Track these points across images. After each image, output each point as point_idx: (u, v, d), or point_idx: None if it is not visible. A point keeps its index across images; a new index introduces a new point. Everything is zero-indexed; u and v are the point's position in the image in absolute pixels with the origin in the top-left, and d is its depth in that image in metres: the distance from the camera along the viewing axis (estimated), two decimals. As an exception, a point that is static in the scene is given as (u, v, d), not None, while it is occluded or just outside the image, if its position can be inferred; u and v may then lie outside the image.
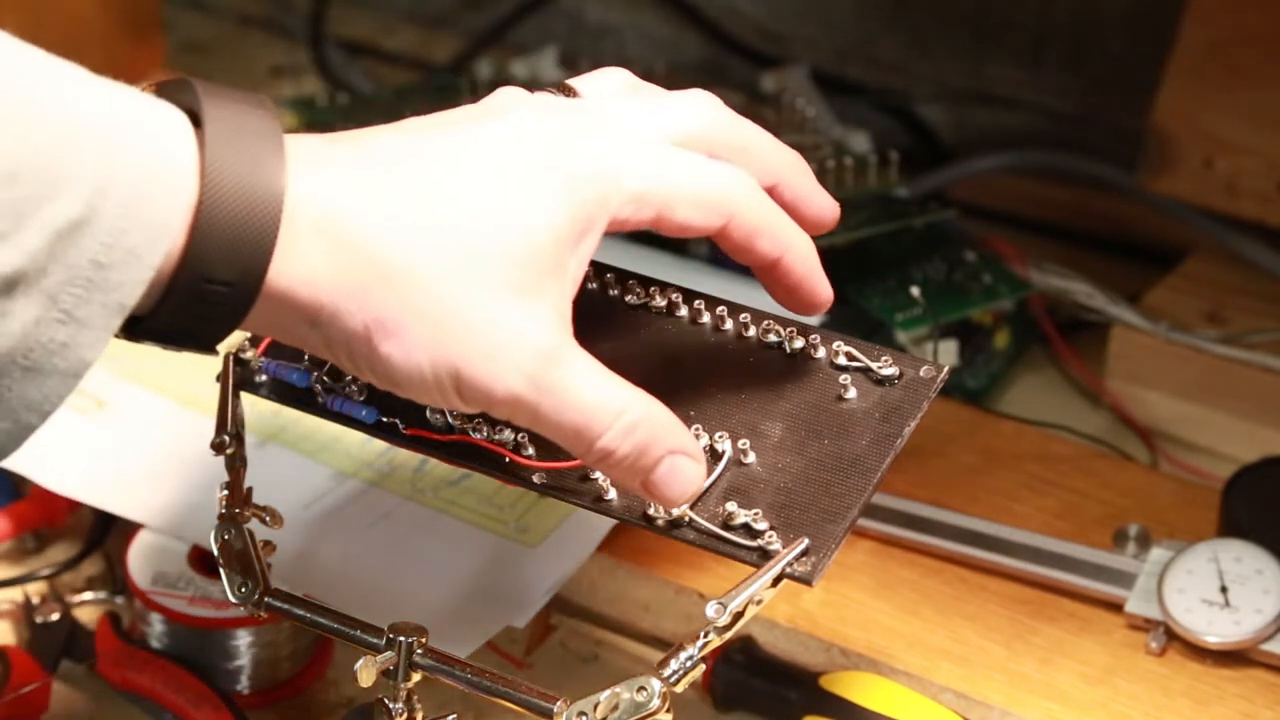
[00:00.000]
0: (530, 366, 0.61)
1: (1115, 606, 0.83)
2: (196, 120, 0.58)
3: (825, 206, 0.70)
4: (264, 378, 0.73)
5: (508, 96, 0.66)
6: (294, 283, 0.59)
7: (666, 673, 0.64)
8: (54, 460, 0.88)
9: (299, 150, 0.60)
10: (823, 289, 0.69)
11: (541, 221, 0.62)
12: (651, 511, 0.67)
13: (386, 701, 0.69)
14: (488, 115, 0.64)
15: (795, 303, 0.69)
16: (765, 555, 0.65)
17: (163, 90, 0.60)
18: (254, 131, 0.59)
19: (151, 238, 0.56)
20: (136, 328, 0.59)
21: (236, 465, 0.72)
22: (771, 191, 0.68)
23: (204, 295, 0.58)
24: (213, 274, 0.58)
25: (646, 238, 1.00)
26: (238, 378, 0.73)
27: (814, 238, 0.99)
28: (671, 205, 0.64)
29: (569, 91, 0.68)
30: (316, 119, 1.11)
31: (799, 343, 0.70)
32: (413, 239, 0.60)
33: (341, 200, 0.60)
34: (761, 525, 0.66)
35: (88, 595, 0.86)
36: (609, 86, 0.69)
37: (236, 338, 0.72)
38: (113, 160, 0.56)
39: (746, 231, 0.66)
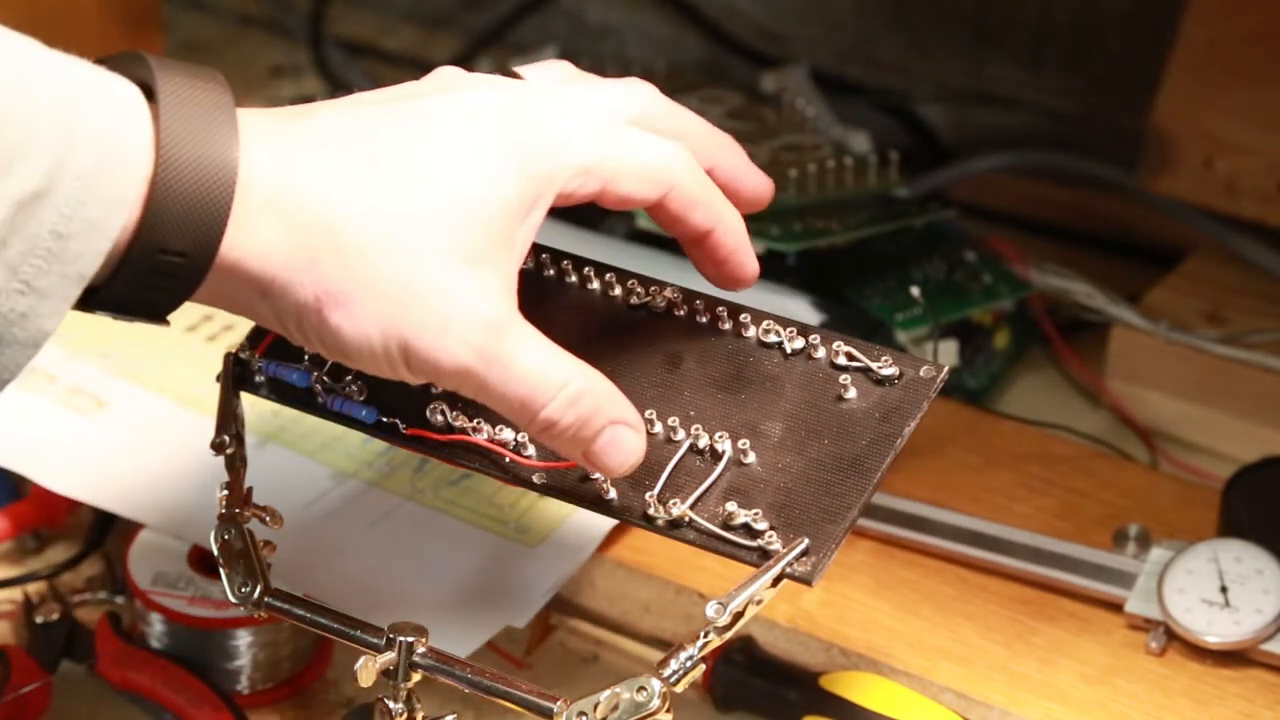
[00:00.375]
0: (477, 338, 0.62)
1: (1115, 606, 0.83)
2: (150, 93, 0.59)
3: (760, 184, 0.72)
4: (264, 378, 0.73)
5: (451, 75, 0.67)
6: (246, 254, 0.60)
7: (666, 673, 0.64)
8: (54, 460, 0.88)
9: (252, 124, 0.61)
10: (750, 263, 0.70)
11: (490, 195, 0.63)
12: (651, 512, 0.67)
13: (386, 701, 0.69)
14: (436, 91, 0.65)
15: (723, 277, 0.70)
16: (765, 555, 0.65)
17: (116, 63, 0.60)
18: (207, 105, 0.60)
19: (109, 210, 0.57)
20: (91, 299, 0.59)
21: (236, 465, 0.72)
22: (709, 174, 0.69)
23: (158, 266, 0.59)
24: (167, 245, 0.59)
25: (647, 237, 1.00)
26: (238, 378, 0.73)
27: (812, 237, 1.00)
28: (616, 178, 0.66)
29: (512, 77, 0.69)
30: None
31: (799, 343, 0.70)
32: (363, 212, 0.61)
33: (294, 173, 0.61)
34: (761, 525, 0.66)
35: (88, 595, 0.86)
36: (551, 76, 0.70)
37: (236, 337, 0.72)
38: (70, 133, 0.56)
39: (683, 203, 0.68)
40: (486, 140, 0.64)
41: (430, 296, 0.62)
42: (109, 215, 0.57)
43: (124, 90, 0.59)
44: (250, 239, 0.60)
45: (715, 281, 0.70)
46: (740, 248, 0.69)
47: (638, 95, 0.69)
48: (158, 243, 0.59)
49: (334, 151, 0.62)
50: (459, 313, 0.62)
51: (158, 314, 0.62)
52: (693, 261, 0.70)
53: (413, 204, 0.62)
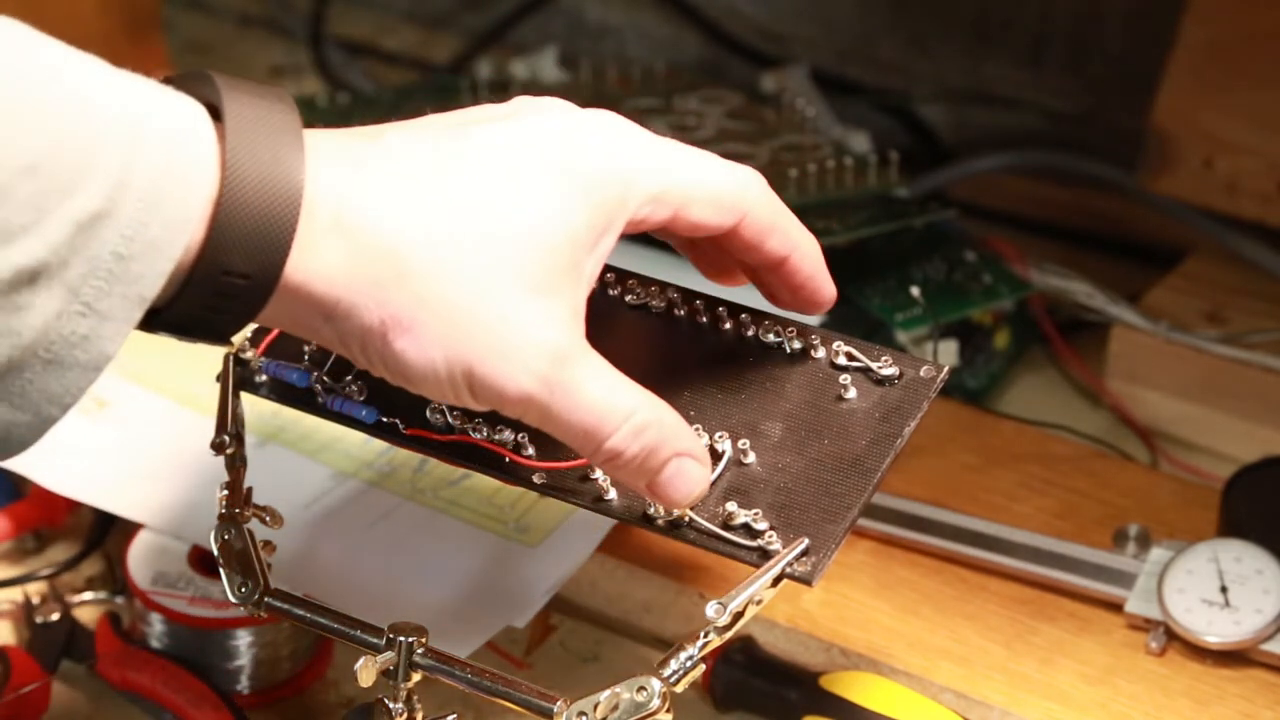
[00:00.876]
0: (543, 366, 0.61)
1: (1115, 606, 0.83)
2: (215, 113, 0.59)
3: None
4: (264, 378, 0.73)
5: (523, 100, 0.66)
6: (310, 277, 0.60)
7: (666, 673, 0.64)
8: (54, 460, 0.88)
9: (318, 145, 0.60)
10: (827, 288, 0.69)
11: (559, 222, 0.62)
12: (651, 511, 0.67)
13: (386, 701, 0.69)
14: (506, 116, 0.64)
15: (799, 302, 0.69)
16: (765, 555, 0.65)
17: (182, 82, 0.60)
18: (274, 126, 0.59)
19: (172, 230, 0.57)
20: (153, 320, 0.59)
21: (236, 465, 0.72)
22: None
23: (222, 288, 0.59)
24: (231, 266, 0.58)
25: (647, 238, 1.00)
26: (238, 378, 0.73)
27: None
28: (688, 205, 0.65)
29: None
30: (316, 119, 1.11)
31: (799, 343, 0.70)
32: (430, 237, 0.61)
33: (360, 197, 0.60)
34: (761, 525, 0.66)
35: (88, 595, 0.86)
36: None
37: (237, 337, 0.72)
38: (133, 153, 0.56)
39: (758, 230, 0.67)
40: (556, 167, 0.63)
41: (496, 323, 0.61)
42: (172, 236, 0.57)
43: (189, 110, 0.58)
44: (315, 261, 0.60)
45: (790, 307, 0.69)
46: (816, 272, 0.68)
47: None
48: (221, 264, 0.58)
49: (401, 175, 0.61)
50: (524, 340, 0.61)
51: (221, 335, 0.61)
52: (763, 288, 0.69)
53: (479, 230, 0.61)
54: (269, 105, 0.60)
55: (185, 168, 0.57)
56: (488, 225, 0.61)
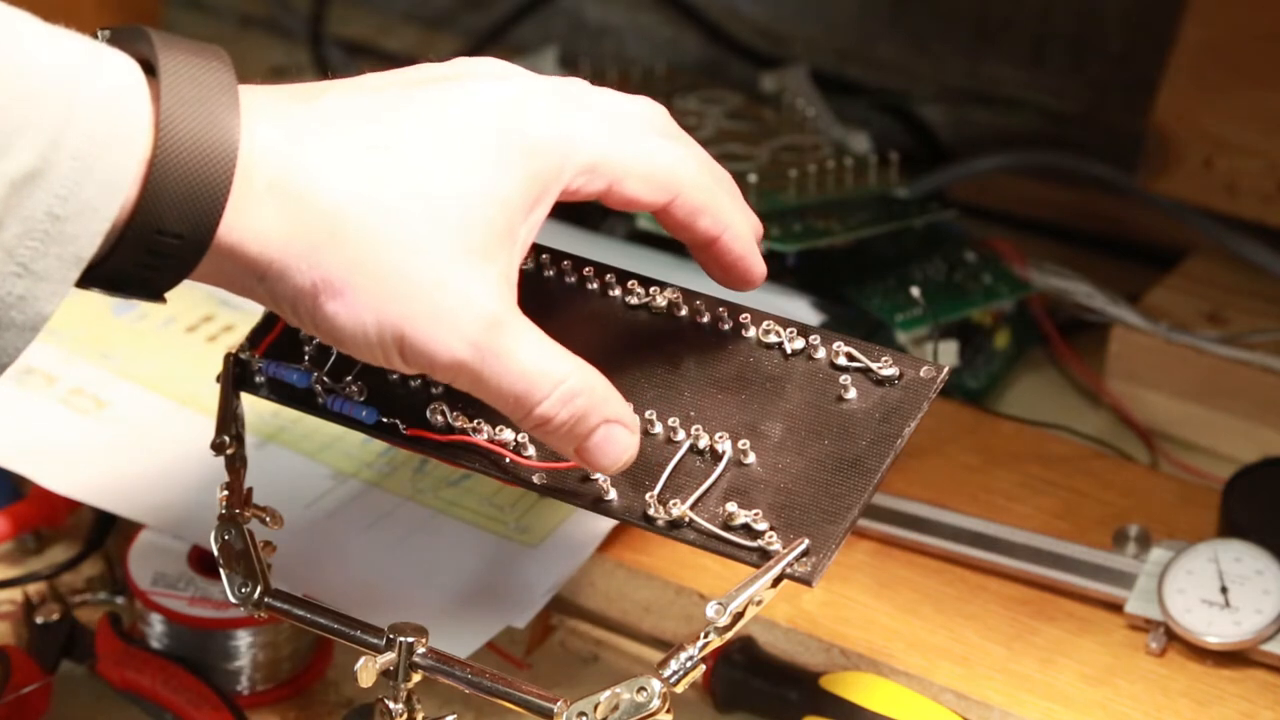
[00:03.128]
0: (475, 332, 0.62)
1: (1115, 606, 0.83)
2: (151, 69, 0.58)
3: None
4: (264, 378, 0.73)
5: (464, 63, 0.66)
6: (244, 238, 0.60)
7: (666, 673, 0.64)
8: (54, 460, 0.88)
9: (254, 104, 0.60)
10: (757, 267, 0.69)
11: (495, 189, 0.62)
12: (651, 512, 0.67)
13: (386, 701, 0.69)
14: (446, 79, 0.65)
15: (730, 279, 0.70)
16: (765, 556, 0.65)
17: (117, 38, 0.60)
18: (209, 84, 0.59)
19: (107, 191, 0.57)
20: (87, 275, 0.59)
21: (236, 465, 0.72)
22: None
23: (155, 247, 0.59)
24: (164, 226, 0.58)
25: (647, 238, 1.00)
26: (238, 378, 0.73)
27: (812, 237, 0.99)
28: (622, 179, 0.65)
29: None
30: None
31: (799, 343, 0.70)
32: (364, 200, 0.61)
33: (295, 157, 0.60)
34: (761, 525, 0.66)
35: (88, 595, 0.86)
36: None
37: (236, 337, 0.72)
38: (66, 112, 0.56)
39: (689, 210, 0.67)
40: (493, 133, 0.63)
41: (428, 288, 0.61)
42: (106, 197, 0.57)
43: (124, 67, 0.58)
44: (249, 222, 0.60)
45: (722, 284, 0.70)
46: (746, 253, 0.69)
47: (650, 110, 0.68)
48: (155, 224, 0.58)
49: (338, 136, 0.61)
50: (457, 306, 0.61)
51: (154, 293, 0.61)
52: (699, 264, 0.70)
53: (415, 194, 0.61)
54: (205, 63, 0.59)
55: (119, 126, 0.57)
56: (423, 190, 0.61)
